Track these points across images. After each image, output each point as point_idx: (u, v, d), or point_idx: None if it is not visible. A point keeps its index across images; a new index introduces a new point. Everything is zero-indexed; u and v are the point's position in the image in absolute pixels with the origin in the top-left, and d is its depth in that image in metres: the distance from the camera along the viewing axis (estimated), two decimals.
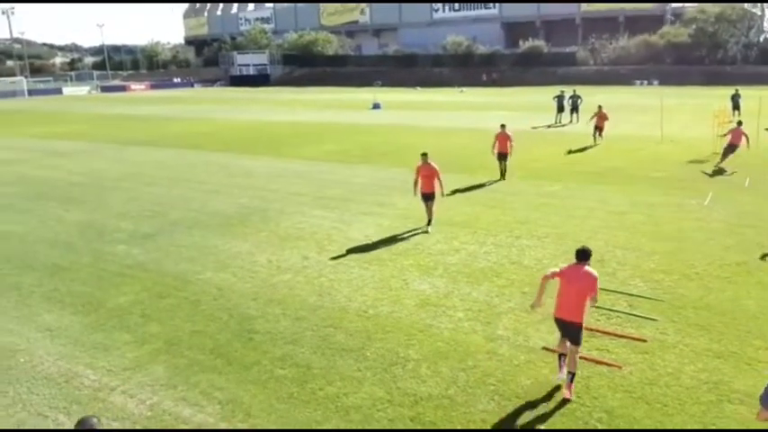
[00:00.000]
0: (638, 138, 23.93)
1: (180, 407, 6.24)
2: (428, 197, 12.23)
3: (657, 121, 23.67)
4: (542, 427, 5.78)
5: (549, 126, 29.52)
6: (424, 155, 12.15)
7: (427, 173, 12.07)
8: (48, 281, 9.98)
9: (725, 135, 18.27)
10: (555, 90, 33.42)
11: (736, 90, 29.33)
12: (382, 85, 70.63)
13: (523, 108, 39.60)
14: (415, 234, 12.00)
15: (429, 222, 12.35)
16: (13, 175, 20.04)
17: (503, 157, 16.94)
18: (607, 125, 23.27)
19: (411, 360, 7.03)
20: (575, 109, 30.03)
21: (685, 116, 22.40)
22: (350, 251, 11.05)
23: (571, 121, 29.86)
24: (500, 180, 16.86)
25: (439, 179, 12.04)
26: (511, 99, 48.27)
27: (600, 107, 23.32)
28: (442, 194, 12.30)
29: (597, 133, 23.14)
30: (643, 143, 22.84)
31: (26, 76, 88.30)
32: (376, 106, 42.42)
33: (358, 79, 74.87)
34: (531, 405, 6.12)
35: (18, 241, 12.34)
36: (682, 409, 5.99)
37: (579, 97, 30.24)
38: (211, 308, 8.71)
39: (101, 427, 3.62)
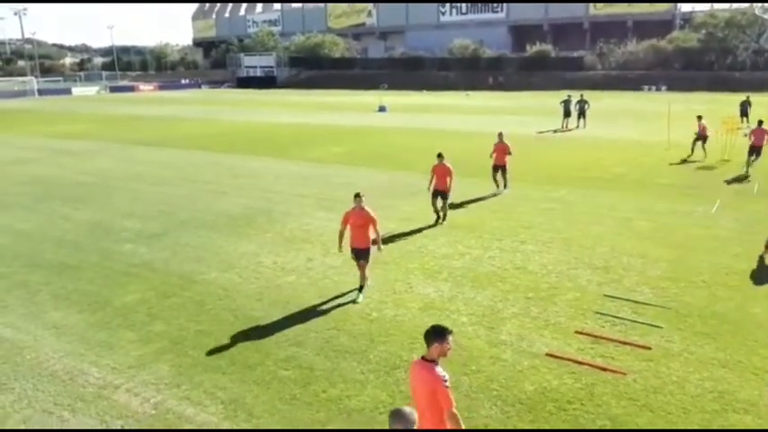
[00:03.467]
0: (645, 144, 23.86)
1: (183, 406, 6.27)
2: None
3: (665, 127, 23.58)
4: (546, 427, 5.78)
5: (555, 131, 29.47)
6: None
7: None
8: (55, 279, 10.04)
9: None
10: (562, 94, 33.34)
11: (747, 97, 29.16)
12: (388, 88, 70.63)
13: (530, 112, 39.53)
14: (419, 237, 12.00)
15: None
16: (22, 174, 20.18)
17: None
18: (643, 132, 22.59)
19: None
20: (582, 114, 29.94)
21: (693, 122, 22.37)
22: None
23: (578, 126, 29.78)
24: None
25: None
26: (517, 103, 48.21)
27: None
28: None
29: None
30: (650, 149, 22.77)
31: (36, 76, 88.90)
32: (382, 109, 42.45)
33: (364, 82, 74.93)
34: (534, 411, 6.12)
35: (26, 239, 12.43)
36: (686, 417, 5.96)
37: (587, 102, 30.14)
38: (216, 308, 8.74)
39: None
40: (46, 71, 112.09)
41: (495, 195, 15.65)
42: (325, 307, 8.70)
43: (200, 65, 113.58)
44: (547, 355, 7.22)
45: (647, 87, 61.35)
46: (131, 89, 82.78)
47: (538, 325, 8.03)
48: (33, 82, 77.88)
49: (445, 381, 4.23)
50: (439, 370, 4.28)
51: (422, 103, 49.44)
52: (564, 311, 8.44)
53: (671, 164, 19.81)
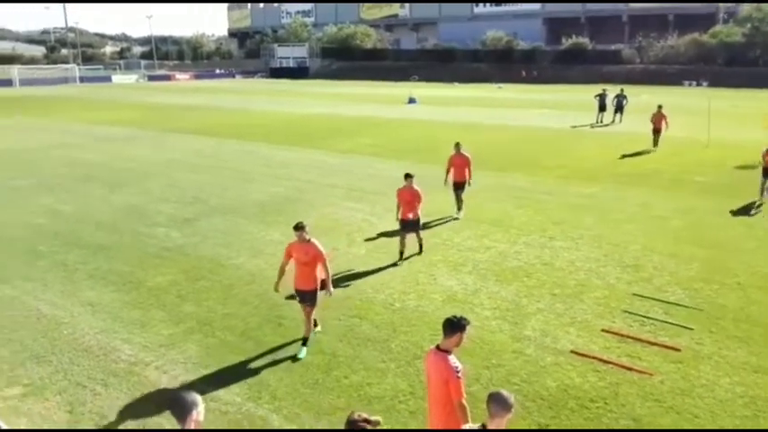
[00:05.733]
0: (683, 140, 23.24)
1: (210, 385, 6.44)
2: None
3: (704, 124, 22.92)
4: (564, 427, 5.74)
5: (590, 126, 28.94)
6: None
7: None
8: (92, 259, 10.38)
9: None
10: (598, 89, 32.64)
11: None
12: (419, 80, 70.34)
13: (564, 106, 38.90)
14: (444, 230, 11.98)
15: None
16: (64, 157, 20.82)
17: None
18: (681, 128, 22.19)
19: None
20: (619, 109, 29.25)
21: (735, 119, 21.57)
22: (379, 245, 11.12)
23: (614, 121, 29.18)
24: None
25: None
26: (551, 97, 47.44)
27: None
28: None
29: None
30: (688, 146, 22.18)
31: (78, 64, 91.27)
32: (411, 101, 42.33)
33: (395, 73, 74.74)
34: (556, 408, 6.08)
35: (66, 220, 12.85)
36: (714, 421, 5.85)
37: (625, 97, 29.42)
38: (243, 292, 8.92)
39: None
40: (87, 59, 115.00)
41: (438, 224, 12.46)
42: (348, 295, 8.79)
43: (235, 55, 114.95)
44: (571, 352, 7.16)
45: (687, 83, 59.63)
46: (168, 78, 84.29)
47: (563, 322, 7.96)
48: (75, 69, 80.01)
49: (458, 371, 4.27)
50: (452, 360, 4.32)
51: (452, 96, 49.09)
52: (591, 309, 8.34)
53: (709, 161, 19.26)
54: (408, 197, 10.08)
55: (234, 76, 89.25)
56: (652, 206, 13.87)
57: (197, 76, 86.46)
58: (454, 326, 4.37)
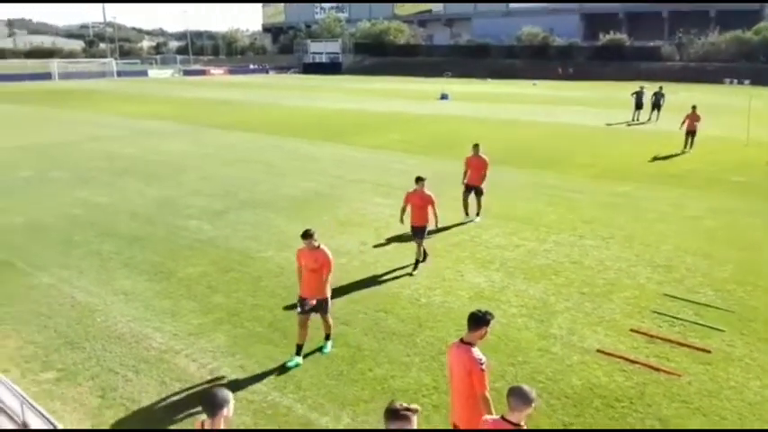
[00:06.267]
0: (721, 139, 22.60)
1: (237, 374, 6.59)
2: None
3: (744, 123, 22.23)
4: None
5: (625, 124, 28.39)
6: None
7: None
8: (126, 249, 10.69)
9: None
10: (635, 86, 31.95)
11: None
12: (452, 76, 69.94)
13: (600, 103, 38.21)
14: (472, 227, 11.94)
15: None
16: (101, 150, 21.44)
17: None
18: (720, 127, 21.43)
19: None
20: (657, 107, 28.58)
21: None
22: (406, 240, 11.12)
23: (650, 119, 28.55)
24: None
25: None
26: (587, 94, 46.63)
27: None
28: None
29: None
30: (726, 145, 21.56)
31: (116, 58, 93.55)
32: (444, 97, 42.16)
33: (428, 69, 74.47)
34: (580, 406, 6.03)
35: (102, 212, 13.25)
36: (741, 424, 5.73)
37: (663, 95, 28.73)
38: (272, 284, 9.07)
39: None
40: (125, 54, 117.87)
41: (462, 224, 12.16)
42: (375, 290, 8.86)
43: (269, 50, 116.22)
44: (598, 351, 7.09)
45: (728, 80, 57.87)
46: (203, 73, 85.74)
47: (591, 321, 7.88)
48: (113, 64, 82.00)
49: (481, 363, 4.30)
50: (476, 352, 4.35)
51: (486, 92, 48.68)
52: (620, 309, 8.23)
53: (747, 161, 18.69)
54: (419, 202, 9.43)
55: (267, 72, 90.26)
56: (686, 206, 13.56)
57: (231, 71, 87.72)
58: (479, 320, 4.42)
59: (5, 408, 4.73)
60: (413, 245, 10.71)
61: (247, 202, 14.06)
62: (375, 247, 10.83)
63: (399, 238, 11.19)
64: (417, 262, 9.66)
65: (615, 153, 20.53)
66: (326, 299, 6.71)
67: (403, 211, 9.74)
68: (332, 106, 37.53)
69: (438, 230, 11.58)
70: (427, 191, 9.48)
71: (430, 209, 9.43)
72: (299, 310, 6.74)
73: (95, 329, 7.64)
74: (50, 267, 9.79)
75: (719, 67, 60.31)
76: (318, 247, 6.58)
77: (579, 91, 49.96)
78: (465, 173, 12.39)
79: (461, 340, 4.47)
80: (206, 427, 3.47)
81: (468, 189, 12.33)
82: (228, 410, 3.52)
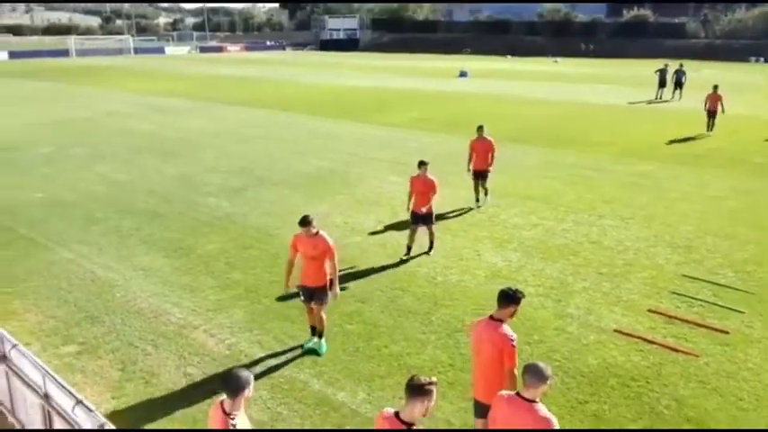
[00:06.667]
0: (744, 118, 22.06)
1: (255, 349, 6.68)
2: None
3: None
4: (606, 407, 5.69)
5: (648, 102, 27.83)
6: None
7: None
8: (145, 225, 10.82)
9: None
10: (659, 64, 31.21)
11: None
12: (471, 53, 68.95)
13: (623, 81, 37.46)
14: (490, 206, 11.82)
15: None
16: (118, 127, 21.59)
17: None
18: (745, 106, 20.60)
19: None
20: (678, 85, 27.98)
21: None
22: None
23: (673, 98, 27.96)
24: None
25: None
26: (609, 71, 45.70)
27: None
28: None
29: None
30: (750, 125, 21.05)
31: (133, 35, 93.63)
32: (463, 74, 41.64)
33: (447, 46, 73.45)
34: (596, 385, 6.02)
35: (120, 189, 13.39)
36: (758, 405, 5.69)
37: (684, 72, 28.09)
38: None
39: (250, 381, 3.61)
40: (141, 30, 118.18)
41: (474, 209, 11.69)
42: (391, 268, 8.87)
43: (285, 26, 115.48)
44: (615, 331, 7.05)
45: (753, 59, 56.26)
46: (220, 50, 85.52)
47: (608, 301, 7.82)
48: (130, 41, 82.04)
49: (513, 340, 4.36)
50: (507, 329, 4.40)
51: (506, 69, 47.95)
52: (638, 289, 8.16)
53: None
54: (422, 187, 8.94)
55: (284, 48, 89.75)
56: (708, 186, 13.32)
57: (247, 48, 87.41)
58: (508, 297, 4.45)
59: (28, 380, 4.85)
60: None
61: (265, 179, 14.10)
62: (391, 225, 10.82)
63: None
64: (432, 243, 9.33)
65: (636, 132, 20.17)
66: (324, 286, 6.33)
67: (410, 197, 9.18)
68: (349, 83, 37.30)
69: (457, 210, 11.54)
70: (430, 175, 8.96)
71: (432, 196, 8.94)
72: (301, 299, 6.55)
73: (115, 304, 7.77)
74: (70, 243, 9.95)
75: (746, 45, 58.62)
76: (317, 233, 6.26)
77: (601, 68, 48.98)
78: (470, 157, 11.56)
79: (491, 317, 4.50)
80: (225, 407, 3.50)
81: (477, 175, 11.51)
82: (249, 391, 3.55)
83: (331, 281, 6.37)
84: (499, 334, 4.36)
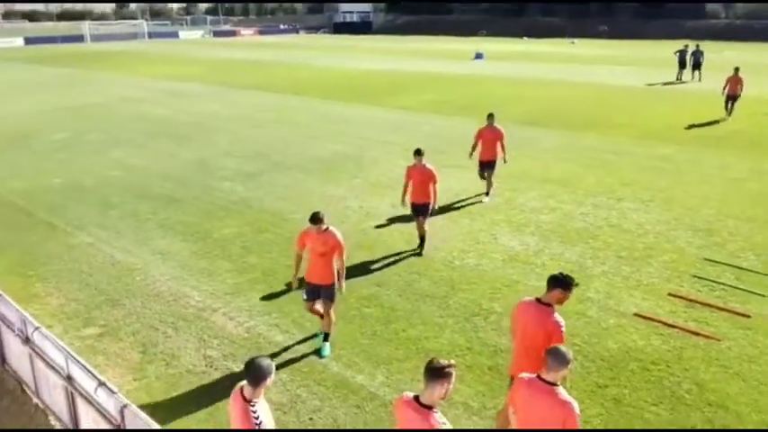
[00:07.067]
0: (765, 101, 21.57)
1: (273, 332, 6.71)
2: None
3: None
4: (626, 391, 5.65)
5: (667, 83, 27.32)
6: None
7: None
8: (162, 210, 10.88)
9: None
10: (677, 44, 30.57)
11: None
12: (487, 35, 68.07)
13: (641, 62, 36.78)
14: (507, 190, 11.72)
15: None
16: (133, 112, 21.68)
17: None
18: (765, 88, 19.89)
19: (494, 312, 7.04)
20: (696, 66, 27.43)
21: None
22: (439, 203, 11.01)
23: (692, 79, 27.42)
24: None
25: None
26: (627, 52, 44.88)
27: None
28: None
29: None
30: None
31: (146, 20, 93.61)
32: (478, 56, 41.13)
33: (462, 28, 72.57)
34: (616, 369, 5.97)
35: (136, 173, 13.46)
36: None
37: (702, 53, 27.49)
38: None
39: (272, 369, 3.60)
40: (155, 15, 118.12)
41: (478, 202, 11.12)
42: (407, 252, 8.84)
43: (299, 10, 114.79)
44: (635, 315, 6.98)
45: None
46: (233, 34, 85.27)
47: (628, 285, 7.74)
48: (144, 25, 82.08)
49: (562, 327, 4.33)
50: (558, 316, 4.37)
51: (522, 51, 47.28)
52: (658, 273, 8.06)
53: None
54: (419, 177, 8.46)
55: (297, 32, 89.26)
56: (729, 168, 13.08)
57: (261, 32, 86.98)
58: (556, 281, 4.41)
59: (51, 362, 4.91)
60: (446, 207, 10.61)
61: (279, 163, 14.09)
62: (406, 210, 10.73)
63: None
64: (422, 240, 8.77)
65: (655, 114, 19.82)
66: (332, 284, 6.11)
67: (405, 188, 8.69)
68: (363, 66, 37.03)
69: (473, 194, 11.45)
70: (428, 165, 8.49)
71: (431, 186, 8.46)
72: (304, 297, 6.27)
73: (135, 287, 7.84)
74: (89, 227, 10.04)
75: (767, 25, 57.15)
76: (327, 229, 5.97)
77: (620, 49, 48.12)
78: (474, 146, 11.00)
79: (538, 300, 4.46)
80: (246, 394, 3.51)
81: (483, 166, 10.98)
82: (270, 380, 3.57)
83: (338, 277, 6.16)
84: (552, 321, 4.33)
